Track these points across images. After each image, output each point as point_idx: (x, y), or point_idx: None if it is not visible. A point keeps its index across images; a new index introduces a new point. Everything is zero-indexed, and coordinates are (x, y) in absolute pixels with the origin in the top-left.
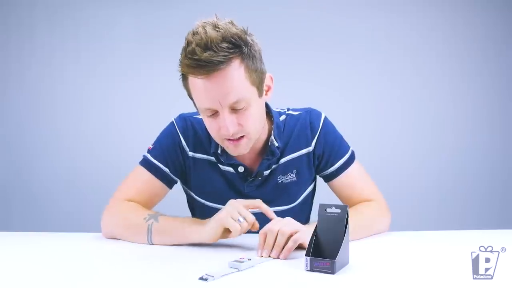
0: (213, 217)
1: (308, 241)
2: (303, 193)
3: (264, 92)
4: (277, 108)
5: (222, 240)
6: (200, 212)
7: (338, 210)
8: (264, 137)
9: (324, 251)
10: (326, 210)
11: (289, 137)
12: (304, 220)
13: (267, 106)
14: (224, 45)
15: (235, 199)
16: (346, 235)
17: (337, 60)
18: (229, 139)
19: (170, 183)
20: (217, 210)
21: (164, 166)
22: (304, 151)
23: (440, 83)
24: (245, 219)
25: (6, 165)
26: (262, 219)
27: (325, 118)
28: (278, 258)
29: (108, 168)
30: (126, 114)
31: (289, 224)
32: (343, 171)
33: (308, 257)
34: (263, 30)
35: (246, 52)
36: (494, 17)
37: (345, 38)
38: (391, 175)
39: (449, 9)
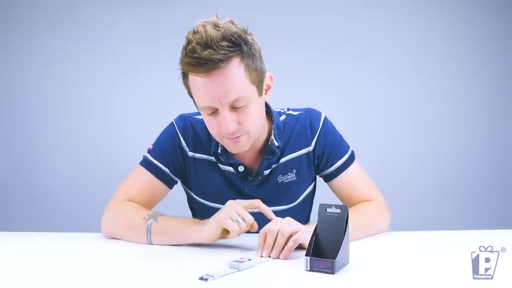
0: (211, 217)
1: (308, 241)
2: (303, 193)
3: (264, 91)
4: (277, 108)
5: (222, 240)
6: (200, 212)
7: (338, 210)
8: (264, 136)
9: (324, 251)
10: (326, 210)
11: (289, 137)
12: (304, 220)
13: (267, 106)
14: (224, 43)
15: (235, 198)
16: (346, 235)
17: (337, 60)
18: (229, 138)
19: (170, 183)
20: (217, 210)
21: (164, 166)
22: (304, 150)
23: (440, 83)
24: (244, 220)
25: (6, 165)
26: (262, 219)
27: (325, 118)
28: (278, 258)
29: (108, 168)
30: (126, 114)
31: (289, 224)
32: (343, 171)
33: (308, 257)
34: (263, 30)
35: (246, 51)
36: (494, 17)
37: (345, 38)
38: (391, 175)
39: (449, 9)
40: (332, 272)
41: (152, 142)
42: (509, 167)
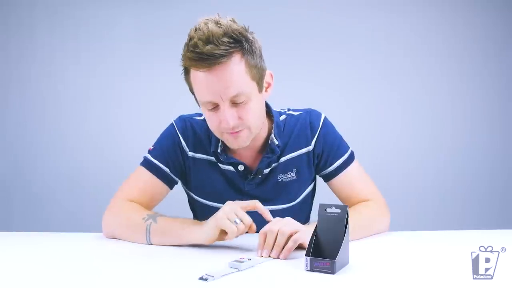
0: (209, 218)
1: (308, 241)
2: (303, 192)
3: (264, 89)
4: (277, 108)
5: (222, 241)
6: (201, 212)
7: (338, 210)
8: (264, 135)
9: (324, 251)
10: (326, 210)
11: (289, 136)
12: (304, 220)
13: (267, 105)
14: (225, 39)
15: (236, 197)
16: (346, 235)
17: (337, 60)
18: (229, 132)
19: (170, 183)
20: (217, 209)
21: (165, 166)
22: (304, 150)
23: (440, 83)
24: (242, 221)
25: (7, 165)
26: (261, 219)
27: (325, 118)
28: (278, 258)
29: (109, 167)
30: (126, 114)
31: (289, 224)
32: (342, 170)
33: (308, 257)
34: (263, 30)
35: (246, 48)
36: (494, 17)
37: (345, 38)
38: (391, 175)
39: (449, 9)
40: (332, 272)
41: (153, 143)
42: (509, 167)
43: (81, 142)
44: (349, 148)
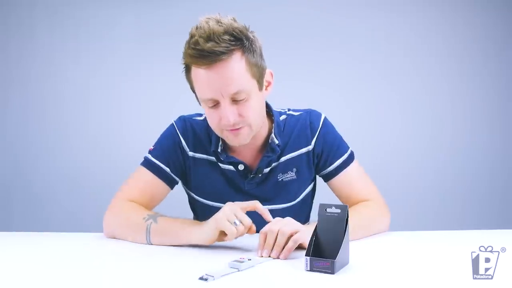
0: (209, 219)
1: (308, 241)
2: (303, 192)
3: (265, 87)
4: (277, 108)
5: (222, 241)
6: (201, 212)
7: (338, 210)
8: (264, 134)
9: (324, 251)
10: (326, 210)
11: (289, 136)
12: (304, 219)
13: (267, 105)
14: (226, 37)
15: (236, 197)
16: (346, 235)
17: (337, 60)
18: (229, 130)
19: (171, 183)
20: (218, 209)
21: (165, 166)
22: (304, 150)
23: (440, 83)
24: (242, 222)
25: (8, 165)
26: (261, 219)
27: (325, 118)
28: (278, 258)
29: (109, 167)
30: (126, 114)
31: (289, 224)
32: (342, 170)
33: (308, 257)
34: (263, 30)
35: (247, 46)
36: (494, 17)
37: (345, 38)
38: (392, 175)
39: (449, 9)
40: (332, 272)
41: (153, 143)
42: (509, 167)
43: (81, 142)
44: (349, 148)
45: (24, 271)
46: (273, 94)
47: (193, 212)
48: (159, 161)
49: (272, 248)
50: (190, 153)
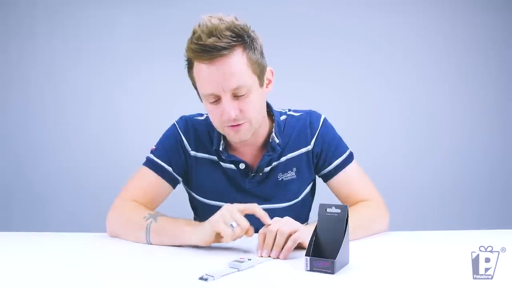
0: (207, 220)
1: (307, 240)
2: (302, 192)
3: (265, 85)
4: (278, 109)
5: (219, 243)
6: (202, 211)
7: (338, 210)
8: (265, 133)
9: (324, 251)
10: (326, 210)
11: (289, 136)
12: (304, 219)
13: (268, 105)
14: (228, 33)
15: (236, 196)
16: (346, 235)
17: (337, 60)
18: (230, 126)
19: (173, 182)
20: (218, 208)
21: (168, 165)
22: (303, 150)
23: (440, 83)
24: (239, 224)
25: (8, 164)
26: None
27: (325, 119)
28: (278, 258)
29: (109, 168)
30: (127, 114)
31: (288, 223)
32: (341, 170)
33: (308, 257)
34: (263, 30)
35: (248, 43)
36: (494, 17)
37: (345, 38)
38: (391, 175)
39: (449, 9)
40: (332, 272)
41: (154, 143)
42: (509, 167)
43: (82, 142)
44: (348, 148)
45: (24, 271)
46: (273, 94)
47: (194, 212)
48: (162, 161)
49: (272, 248)
50: (192, 152)
